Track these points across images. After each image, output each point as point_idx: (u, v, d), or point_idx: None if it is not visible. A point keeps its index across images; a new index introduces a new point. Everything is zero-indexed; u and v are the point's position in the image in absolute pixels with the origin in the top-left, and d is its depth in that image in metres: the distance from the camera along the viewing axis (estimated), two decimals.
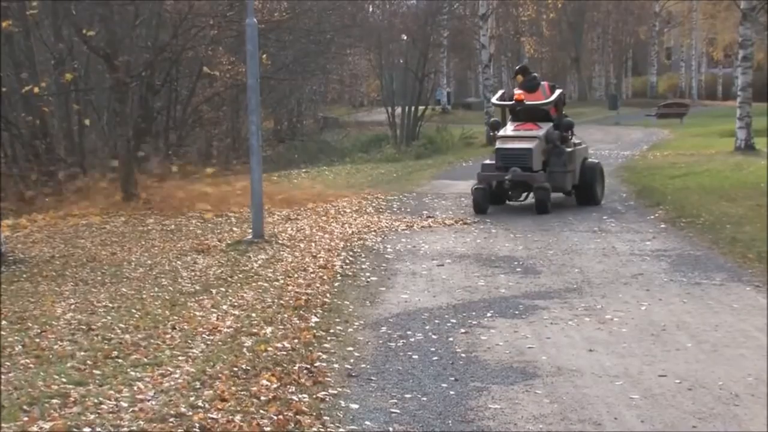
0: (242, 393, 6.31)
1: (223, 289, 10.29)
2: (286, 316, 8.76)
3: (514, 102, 16.48)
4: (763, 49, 47.58)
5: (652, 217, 15.05)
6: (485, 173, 16.15)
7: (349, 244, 13.16)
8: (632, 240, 12.91)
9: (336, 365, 7.23)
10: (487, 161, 16.54)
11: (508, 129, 16.39)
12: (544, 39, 61.70)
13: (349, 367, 7.21)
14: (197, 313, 9.03)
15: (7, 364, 7.36)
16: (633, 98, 64.24)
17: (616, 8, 63.13)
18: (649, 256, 11.75)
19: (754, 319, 8.38)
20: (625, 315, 8.69)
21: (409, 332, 8.29)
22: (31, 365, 7.31)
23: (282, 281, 10.57)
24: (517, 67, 17.95)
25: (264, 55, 22.49)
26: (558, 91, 16.83)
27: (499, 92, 18.14)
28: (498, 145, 16.20)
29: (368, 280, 10.83)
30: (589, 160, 17.18)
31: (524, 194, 16.38)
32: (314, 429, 5.72)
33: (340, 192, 19.96)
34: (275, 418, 5.78)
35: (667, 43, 70.60)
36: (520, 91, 16.40)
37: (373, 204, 17.97)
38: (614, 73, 68.30)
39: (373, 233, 14.22)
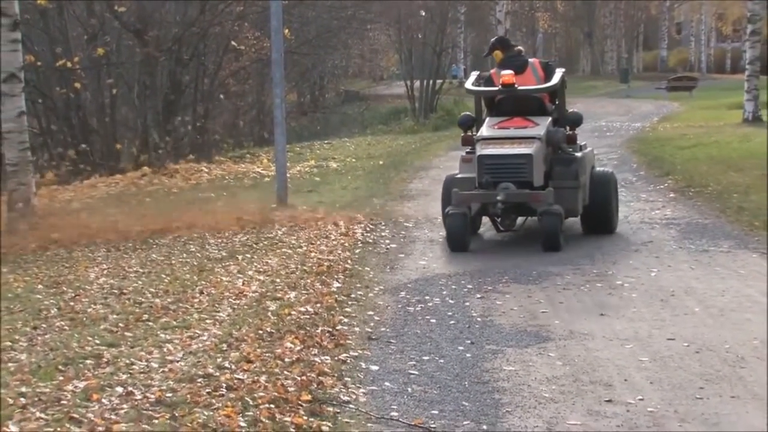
0: (267, 355, 6.32)
1: (248, 256, 10.31)
2: (309, 281, 8.76)
3: (501, 87, 10.93)
4: None
5: (662, 186, 14.95)
6: (464, 192, 10.54)
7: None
8: (642, 209, 12.84)
9: (357, 329, 7.23)
10: (460, 175, 11.09)
11: (489, 127, 10.92)
12: (558, 14, 61.34)
13: (370, 330, 7.21)
14: (224, 279, 9.05)
15: (44, 326, 7.41)
16: (644, 72, 63.75)
17: None
18: (658, 224, 11.69)
19: (759, 285, 8.33)
20: (635, 281, 8.66)
21: (427, 297, 8.28)
22: (66, 327, 7.35)
23: (305, 248, 10.58)
24: (492, 40, 12.14)
25: (288, 31, 22.41)
26: (560, 71, 11.28)
27: (474, 74, 12.13)
28: (479, 150, 10.59)
29: (388, 247, 10.83)
30: (598, 169, 11.88)
31: (520, 220, 11.25)
32: (336, 389, 5.73)
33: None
34: (298, 378, 5.79)
35: (677, 18, 69.87)
36: (509, 72, 10.83)
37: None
38: (626, 47, 67.73)
39: (393, 202, 14.20)
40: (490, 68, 11.44)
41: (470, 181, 10.69)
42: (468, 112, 12.00)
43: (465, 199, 10.48)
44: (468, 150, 11.22)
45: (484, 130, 10.91)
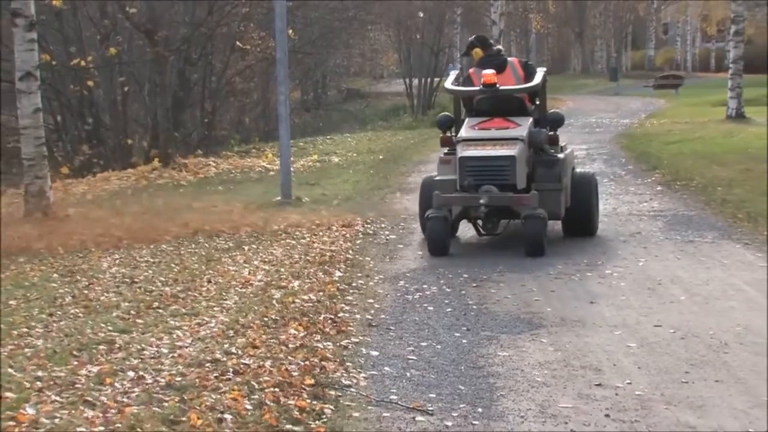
0: (272, 341, 6.33)
1: (254, 246, 10.31)
2: (312, 270, 8.77)
3: (482, 87, 10.11)
4: (754, 24, 46.96)
5: (649, 180, 14.94)
6: (445, 194, 9.69)
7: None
8: (631, 201, 12.83)
9: (358, 316, 7.24)
10: (439, 177, 10.24)
11: (469, 128, 10.12)
12: (550, 15, 61.17)
13: (370, 317, 7.22)
14: (231, 268, 9.05)
15: (59, 313, 7.41)
16: (632, 70, 63.55)
17: None
18: (646, 216, 11.68)
19: (742, 274, 8.35)
20: (623, 270, 8.66)
21: (425, 286, 8.28)
22: (80, 314, 7.36)
23: (308, 239, 10.58)
24: (471, 38, 11.12)
25: (292, 31, 22.38)
26: (541, 71, 10.54)
27: (453, 73, 11.40)
28: (461, 152, 9.78)
29: (387, 238, 10.82)
30: (579, 170, 11.17)
31: (502, 224, 10.16)
32: (338, 374, 5.74)
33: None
34: (302, 363, 5.80)
35: (664, 19, 69.70)
36: (491, 71, 10.06)
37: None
38: (615, 47, 67.57)
39: (392, 194, 14.19)
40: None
41: (450, 183, 9.88)
42: (447, 113, 11.25)
43: (446, 202, 9.71)
44: (446, 151, 10.47)
45: (465, 131, 10.10)
